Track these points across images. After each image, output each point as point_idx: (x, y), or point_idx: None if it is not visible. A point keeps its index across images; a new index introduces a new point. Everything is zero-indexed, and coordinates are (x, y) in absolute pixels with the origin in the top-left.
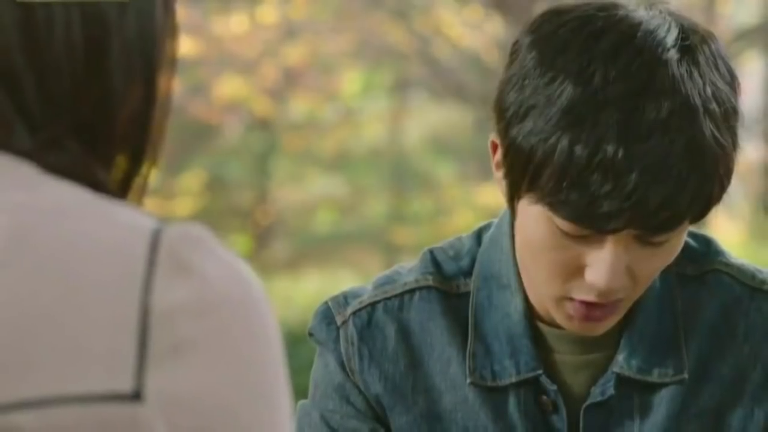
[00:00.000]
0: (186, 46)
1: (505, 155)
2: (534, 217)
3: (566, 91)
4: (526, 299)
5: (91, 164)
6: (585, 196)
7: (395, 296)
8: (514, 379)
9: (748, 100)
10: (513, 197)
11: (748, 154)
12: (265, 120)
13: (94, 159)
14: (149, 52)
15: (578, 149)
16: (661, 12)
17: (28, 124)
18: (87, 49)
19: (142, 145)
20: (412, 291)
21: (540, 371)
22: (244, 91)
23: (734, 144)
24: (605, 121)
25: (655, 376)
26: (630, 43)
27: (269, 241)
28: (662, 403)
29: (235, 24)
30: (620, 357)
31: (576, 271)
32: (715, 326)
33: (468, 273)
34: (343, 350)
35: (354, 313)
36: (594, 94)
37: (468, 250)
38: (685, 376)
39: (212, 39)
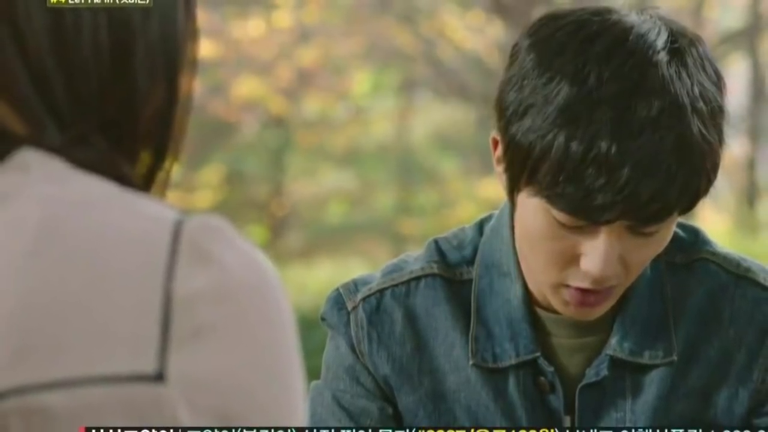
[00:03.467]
0: (206, 48)
1: (506, 151)
2: (533, 209)
3: (563, 91)
4: (525, 286)
5: (117, 159)
6: (580, 190)
7: (402, 283)
8: (513, 361)
9: (733, 99)
10: (513, 190)
11: (733, 150)
12: (280, 118)
13: (119, 154)
14: (171, 54)
15: (574, 145)
16: (651, 16)
17: (58, 121)
18: (113, 52)
19: (165, 141)
20: (418, 278)
21: (538, 353)
22: (261, 90)
23: (720, 140)
24: (599, 119)
25: (646, 358)
26: (622, 45)
27: (284, 231)
28: (653, 383)
29: (252, 28)
30: (613, 340)
31: (572, 259)
32: (702, 311)
33: (470, 261)
34: (353, 334)
35: (364, 299)
36: (589, 93)
37: (470, 240)
38: (675, 358)
39: (231, 42)
